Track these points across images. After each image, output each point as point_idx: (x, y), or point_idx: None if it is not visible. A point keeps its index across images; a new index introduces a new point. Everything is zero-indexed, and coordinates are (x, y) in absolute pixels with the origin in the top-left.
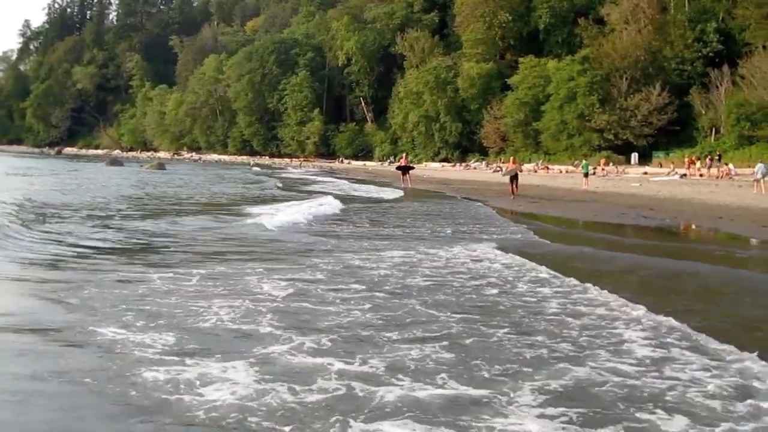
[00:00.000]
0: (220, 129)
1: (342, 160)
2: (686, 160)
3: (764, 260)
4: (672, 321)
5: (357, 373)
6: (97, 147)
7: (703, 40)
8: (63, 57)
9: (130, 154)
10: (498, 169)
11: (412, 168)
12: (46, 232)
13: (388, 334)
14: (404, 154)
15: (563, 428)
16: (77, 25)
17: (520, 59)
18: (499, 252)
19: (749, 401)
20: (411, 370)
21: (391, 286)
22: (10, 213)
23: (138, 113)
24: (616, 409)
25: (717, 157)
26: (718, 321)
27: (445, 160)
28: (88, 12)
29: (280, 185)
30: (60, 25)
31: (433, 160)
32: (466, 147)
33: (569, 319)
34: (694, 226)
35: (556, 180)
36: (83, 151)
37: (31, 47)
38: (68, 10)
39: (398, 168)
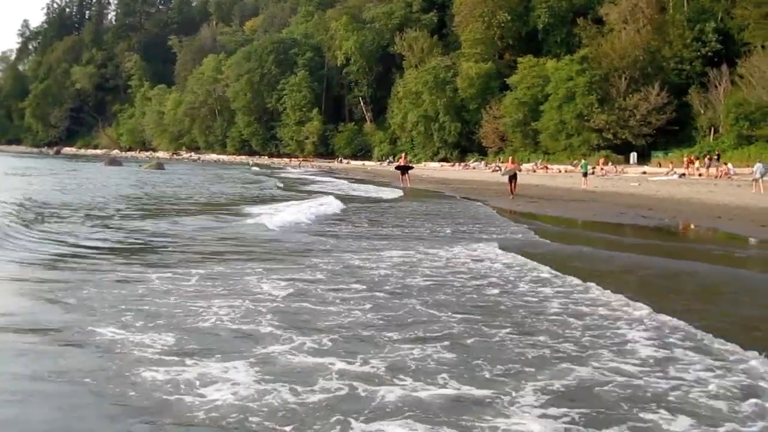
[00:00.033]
0: (218, 129)
1: (341, 160)
2: (685, 159)
3: (763, 260)
4: (675, 320)
5: (358, 373)
6: (95, 147)
7: (702, 39)
8: (62, 57)
9: (129, 154)
10: (497, 168)
11: (411, 168)
12: (45, 231)
13: (389, 334)
14: (403, 154)
15: (566, 429)
16: (76, 25)
17: (519, 59)
18: (499, 252)
19: (753, 400)
20: (412, 370)
21: (392, 286)
22: (10, 213)
23: (137, 113)
24: (619, 410)
25: (716, 157)
26: (717, 320)
27: (444, 159)
28: (87, 12)
29: (280, 185)
30: (59, 25)
31: (432, 159)
32: (465, 147)
33: (571, 319)
34: (693, 226)
35: (555, 180)
36: (82, 151)
37: (30, 47)
38: (67, 10)
39: (397, 168)
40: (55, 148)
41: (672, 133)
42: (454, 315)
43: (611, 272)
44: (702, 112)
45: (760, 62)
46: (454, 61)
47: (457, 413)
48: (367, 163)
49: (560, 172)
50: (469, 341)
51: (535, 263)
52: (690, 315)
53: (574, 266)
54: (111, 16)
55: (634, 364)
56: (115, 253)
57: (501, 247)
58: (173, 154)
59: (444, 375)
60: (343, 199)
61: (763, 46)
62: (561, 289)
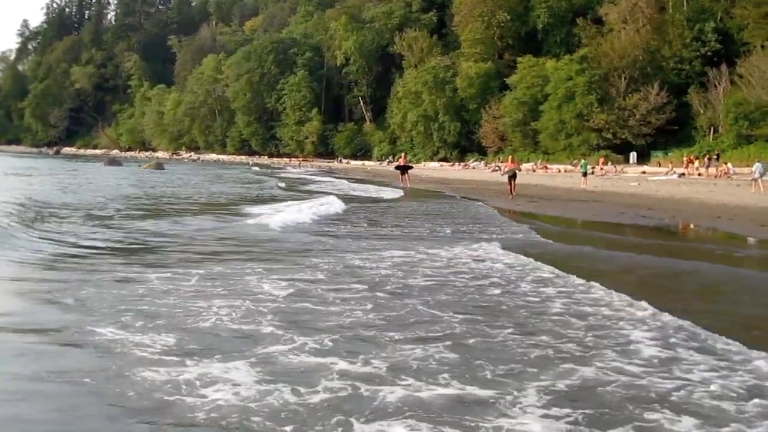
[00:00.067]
0: (218, 129)
1: (341, 160)
2: (685, 159)
3: (763, 259)
4: (678, 320)
5: (360, 374)
6: (95, 147)
7: (702, 39)
8: (61, 57)
9: (129, 153)
10: (496, 168)
11: (411, 167)
12: (45, 231)
13: (391, 334)
14: (403, 154)
15: (569, 429)
16: (75, 25)
17: (519, 59)
18: (501, 251)
19: (758, 401)
20: (414, 370)
21: (393, 286)
22: (10, 213)
23: (136, 113)
24: (623, 410)
25: (715, 157)
26: (718, 320)
27: (444, 159)
28: (87, 12)
29: (282, 185)
30: (58, 24)
31: (431, 159)
32: (465, 146)
33: (573, 319)
34: (692, 226)
35: (554, 179)
36: (81, 151)
37: (30, 47)
38: (66, 9)
39: (397, 167)
40: (54, 148)
41: (671, 133)
42: (456, 315)
43: (612, 272)
44: (701, 111)
45: (760, 62)
46: (453, 61)
47: (460, 413)
48: (366, 162)
49: (560, 171)
50: (471, 341)
51: (537, 263)
52: (692, 314)
53: (576, 266)
54: (110, 16)
55: (638, 364)
56: (115, 253)
57: (502, 247)
58: (173, 154)
59: (446, 375)
60: (343, 198)
61: (762, 46)
62: (563, 288)
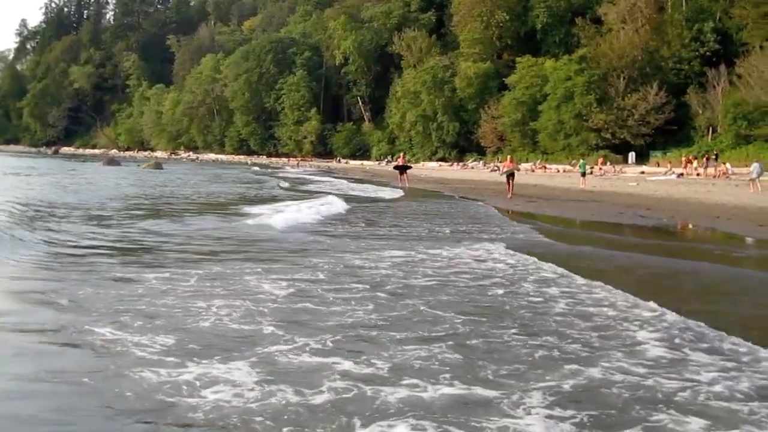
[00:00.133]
0: (217, 128)
1: (339, 160)
2: (683, 159)
3: (762, 259)
4: (683, 319)
5: (362, 374)
6: (94, 146)
7: (701, 39)
8: (60, 56)
9: (127, 153)
10: (495, 168)
11: (410, 167)
12: (44, 231)
13: (393, 334)
14: (401, 154)
15: (574, 430)
16: (74, 25)
17: (518, 59)
18: (502, 251)
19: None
20: (416, 370)
21: (394, 286)
22: (9, 212)
23: (135, 113)
24: (629, 411)
25: (714, 157)
26: (719, 319)
27: (443, 159)
28: (85, 11)
29: (282, 185)
30: (57, 24)
31: (430, 159)
32: (464, 146)
33: (577, 319)
34: (691, 226)
35: (553, 179)
36: (80, 151)
37: (28, 47)
38: (65, 9)
39: (396, 167)
40: (53, 148)
41: (670, 133)
42: (459, 315)
43: (614, 271)
44: (700, 111)
45: (759, 62)
46: (452, 61)
47: (463, 414)
48: (365, 162)
49: (559, 171)
50: (474, 341)
51: (540, 263)
52: (695, 314)
53: (577, 266)
54: (109, 15)
55: (643, 364)
56: (114, 253)
57: (503, 247)
58: (171, 153)
59: (449, 375)
60: (343, 198)
61: (761, 46)
62: (567, 288)
